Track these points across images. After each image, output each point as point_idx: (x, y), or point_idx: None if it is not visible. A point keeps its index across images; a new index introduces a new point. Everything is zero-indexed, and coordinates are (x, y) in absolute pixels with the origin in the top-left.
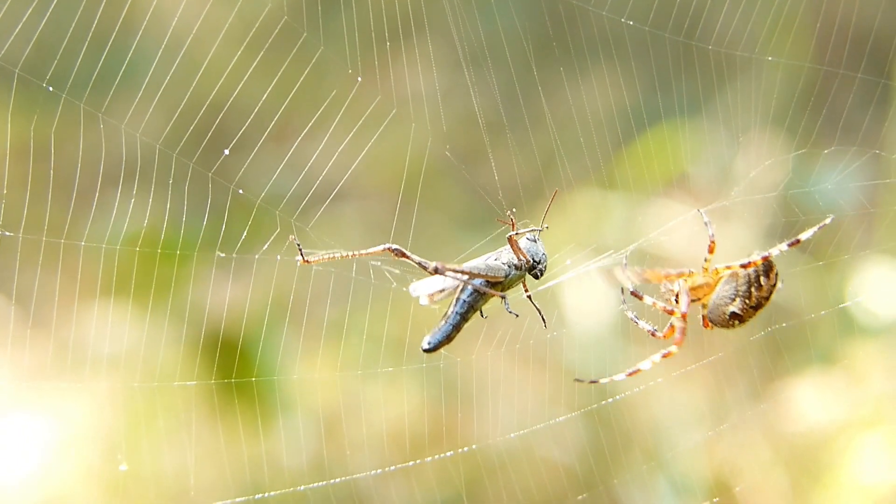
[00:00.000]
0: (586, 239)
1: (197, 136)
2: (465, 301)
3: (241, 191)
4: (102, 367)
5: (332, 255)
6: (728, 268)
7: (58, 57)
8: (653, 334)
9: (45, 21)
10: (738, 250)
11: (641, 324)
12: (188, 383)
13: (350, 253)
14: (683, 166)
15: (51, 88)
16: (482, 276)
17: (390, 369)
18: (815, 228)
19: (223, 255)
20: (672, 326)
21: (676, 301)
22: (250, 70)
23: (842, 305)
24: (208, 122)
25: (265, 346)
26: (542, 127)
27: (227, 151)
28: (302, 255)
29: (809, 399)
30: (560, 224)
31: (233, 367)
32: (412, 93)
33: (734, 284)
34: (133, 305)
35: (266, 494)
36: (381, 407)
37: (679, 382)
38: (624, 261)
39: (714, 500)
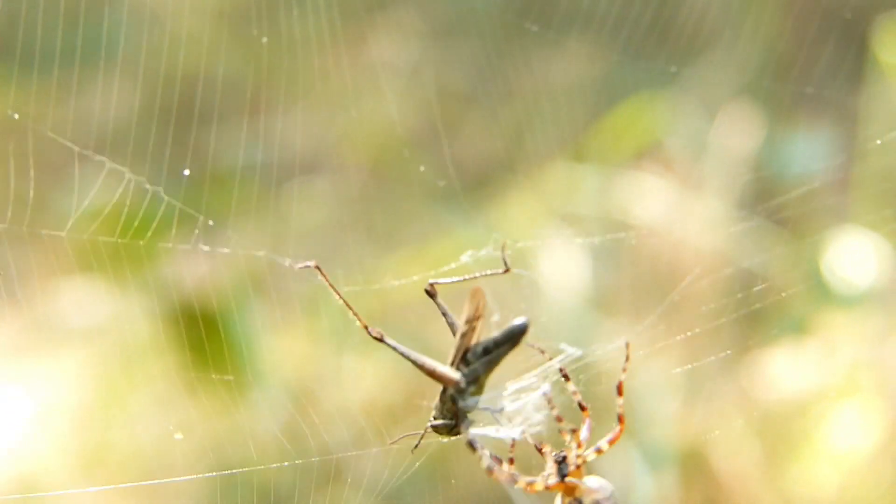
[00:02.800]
0: (559, 210)
1: (167, 109)
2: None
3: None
4: (76, 342)
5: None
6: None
7: (30, 31)
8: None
9: None
10: (712, 223)
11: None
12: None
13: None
14: (656, 137)
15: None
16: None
17: None
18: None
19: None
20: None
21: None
22: (243, 42)
23: (816, 275)
24: (180, 95)
25: (239, 319)
26: (513, 99)
27: (186, 172)
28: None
29: (783, 368)
30: (531, 196)
31: (205, 341)
32: (384, 66)
33: None
34: (104, 281)
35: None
36: (355, 378)
37: (653, 352)
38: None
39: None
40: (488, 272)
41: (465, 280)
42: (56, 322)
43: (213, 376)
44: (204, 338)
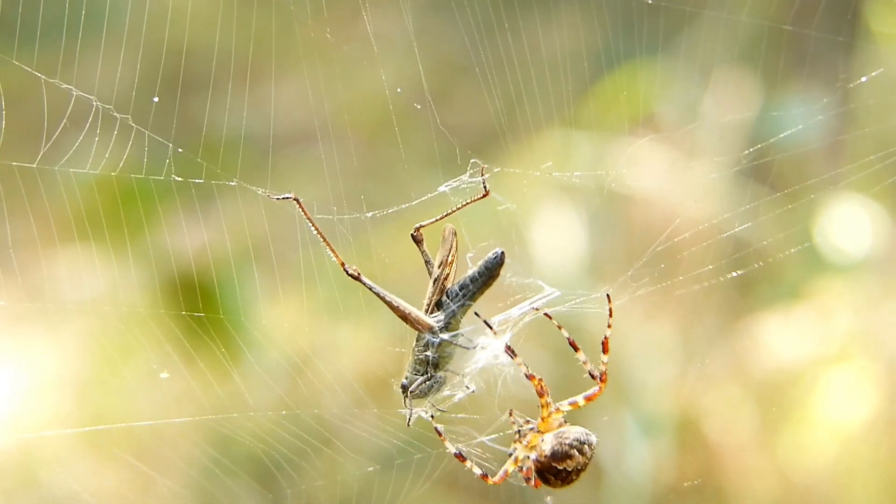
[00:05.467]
0: (552, 177)
1: (167, 79)
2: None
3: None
4: (72, 311)
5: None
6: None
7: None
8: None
9: None
10: (705, 189)
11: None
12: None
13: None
14: (650, 105)
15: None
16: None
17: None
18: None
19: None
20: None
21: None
22: (238, 17)
23: (809, 243)
24: (178, 66)
25: (237, 287)
26: (509, 68)
27: (155, 99)
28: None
29: (778, 336)
30: (526, 162)
31: (202, 309)
32: (381, 36)
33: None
34: (102, 249)
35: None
36: (350, 347)
37: (648, 319)
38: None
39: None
40: (468, 201)
41: (449, 214)
42: (53, 292)
43: (209, 343)
44: (200, 306)
